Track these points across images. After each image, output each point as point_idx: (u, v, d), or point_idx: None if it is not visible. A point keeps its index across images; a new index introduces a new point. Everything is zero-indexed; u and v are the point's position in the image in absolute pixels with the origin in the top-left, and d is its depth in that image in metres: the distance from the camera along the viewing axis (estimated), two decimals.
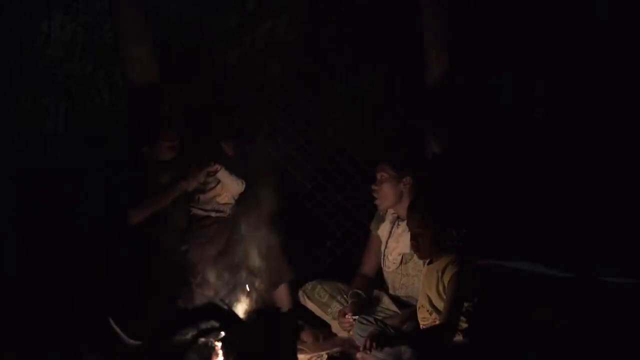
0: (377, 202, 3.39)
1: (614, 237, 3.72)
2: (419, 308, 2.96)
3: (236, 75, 4.14)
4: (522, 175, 4.09)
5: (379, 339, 2.66)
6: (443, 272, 2.85)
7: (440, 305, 2.84)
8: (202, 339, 2.71)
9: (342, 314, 3.28)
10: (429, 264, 2.95)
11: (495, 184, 4.00)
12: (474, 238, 2.93)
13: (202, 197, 3.59)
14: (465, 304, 2.80)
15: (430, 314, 2.87)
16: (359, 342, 2.89)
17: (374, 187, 3.37)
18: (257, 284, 3.36)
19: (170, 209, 3.44)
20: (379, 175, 3.35)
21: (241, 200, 3.68)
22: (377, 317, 3.20)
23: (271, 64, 4.18)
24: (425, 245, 2.90)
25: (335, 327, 3.40)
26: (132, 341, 2.82)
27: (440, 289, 2.84)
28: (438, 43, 4.08)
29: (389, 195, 3.33)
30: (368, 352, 2.64)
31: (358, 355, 2.80)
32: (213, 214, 3.59)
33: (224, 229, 3.59)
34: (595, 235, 3.75)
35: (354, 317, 3.14)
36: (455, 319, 2.77)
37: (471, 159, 4.08)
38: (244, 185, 3.63)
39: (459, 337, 2.81)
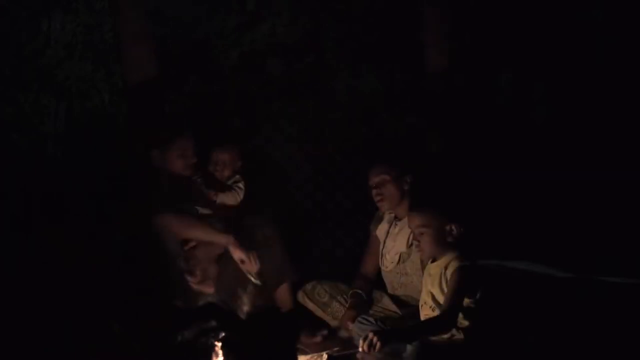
0: (380, 204, 3.40)
1: (614, 237, 3.72)
2: (422, 306, 2.97)
3: (236, 75, 4.13)
4: (522, 175, 4.10)
5: (383, 336, 2.65)
6: (446, 268, 2.87)
7: (443, 301, 2.85)
8: (202, 339, 2.71)
9: (347, 318, 3.29)
10: (432, 262, 2.96)
11: (495, 183, 4.00)
12: (474, 236, 2.94)
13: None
14: (467, 300, 2.81)
15: (434, 310, 2.88)
16: (358, 342, 2.88)
17: (376, 191, 3.37)
18: (257, 284, 3.36)
19: (173, 209, 3.43)
20: (378, 179, 3.37)
21: (244, 200, 3.68)
22: (377, 317, 3.20)
23: (271, 64, 4.18)
24: (427, 243, 2.92)
25: (335, 327, 3.40)
26: (131, 338, 2.82)
27: (444, 284, 2.85)
28: (438, 43, 4.08)
29: (394, 195, 3.35)
30: (372, 350, 2.64)
31: (358, 355, 2.80)
32: (219, 213, 3.59)
33: (229, 227, 3.59)
34: (595, 235, 3.75)
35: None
36: (455, 310, 2.78)
37: (471, 158, 4.08)
38: (242, 194, 3.62)
39: (459, 336, 2.81)
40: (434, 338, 2.81)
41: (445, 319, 2.79)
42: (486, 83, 4.33)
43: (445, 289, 2.84)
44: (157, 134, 3.45)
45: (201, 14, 4.05)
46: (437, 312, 2.87)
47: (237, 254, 3.32)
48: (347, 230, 4.19)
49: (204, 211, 3.56)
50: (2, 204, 3.60)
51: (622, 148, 4.15)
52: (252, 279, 3.37)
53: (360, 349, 2.67)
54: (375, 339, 2.62)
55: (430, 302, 2.90)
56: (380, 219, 3.54)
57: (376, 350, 2.62)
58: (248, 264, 3.33)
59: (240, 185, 3.64)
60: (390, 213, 3.47)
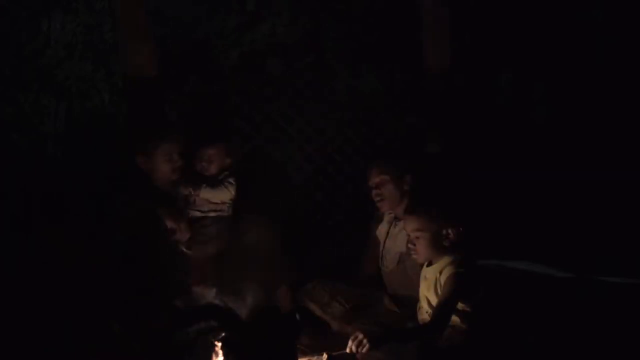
0: (380, 204, 3.40)
1: (614, 237, 3.72)
2: (419, 309, 2.96)
3: (236, 75, 4.13)
4: (522, 175, 4.10)
5: (372, 338, 2.65)
6: (441, 273, 2.84)
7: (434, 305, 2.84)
8: (202, 339, 2.72)
9: (346, 319, 3.29)
10: (428, 265, 2.95)
11: (495, 183, 4.00)
12: (473, 237, 2.92)
13: (197, 199, 3.58)
14: (463, 305, 2.80)
15: (430, 315, 2.87)
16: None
17: (376, 191, 3.37)
18: (257, 284, 3.36)
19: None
20: (378, 179, 3.36)
21: (242, 200, 3.67)
22: (377, 317, 3.20)
23: (271, 64, 4.18)
24: (422, 247, 2.89)
25: (335, 327, 3.40)
26: (131, 338, 2.82)
27: (439, 289, 2.84)
28: (438, 43, 4.08)
29: (394, 196, 3.35)
30: (360, 350, 2.63)
31: (359, 355, 2.80)
32: (212, 214, 3.58)
33: (225, 227, 3.59)
34: (595, 235, 3.75)
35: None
36: (445, 316, 2.75)
37: (471, 158, 4.09)
38: (233, 189, 3.60)
39: (459, 337, 2.80)
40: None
41: (434, 324, 2.76)
42: (486, 83, 4.34)
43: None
44: (141, 140, 3.44)
45: (201, 14, 4.05)
46: None
47: (169, 223, 3.33)
48: (347, 231, 4.19)
49: (196, 213, 3.56)
50: (2, 204, 3.60)
51: (622, 148, 4.15)
52: (183, 248, 3.41)
53: (347, 350, 2.67)
54: (364, 340, 2.62)
55: (427, 307, 2.89)
56: (380, 219, 3.54)
57: (364, 351, 2.61)
58: (179, 233, 3.35)
59: (229, 182, 3.60)
60: (390, 213, 3.47)
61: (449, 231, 2.86)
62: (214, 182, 3.58)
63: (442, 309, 2.76)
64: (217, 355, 2.73)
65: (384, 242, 3.48)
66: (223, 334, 2.71)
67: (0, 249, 3.39)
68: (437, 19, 4.08)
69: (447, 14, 4.09)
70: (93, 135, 3.85)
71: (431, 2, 4.08)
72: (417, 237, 2.90)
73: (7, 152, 3.75)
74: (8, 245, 3.43)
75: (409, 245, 2.98)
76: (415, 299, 3.06)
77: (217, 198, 3.57)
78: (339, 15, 4.22)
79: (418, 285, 3.04)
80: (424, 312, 2.91)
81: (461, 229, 2.88)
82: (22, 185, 3.66)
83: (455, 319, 2.80)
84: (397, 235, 3.39)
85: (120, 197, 3.32)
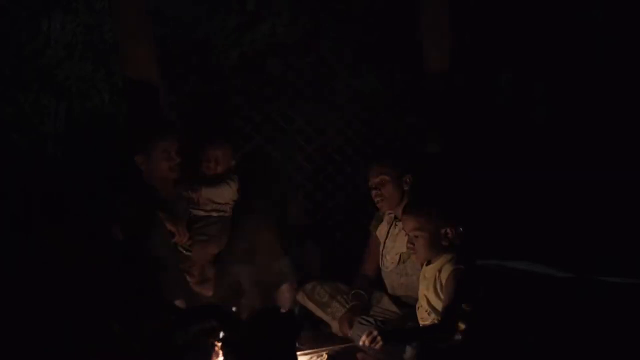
0: (380, 204, 3.39)
1: (614, 237, 3.72)
2: (418, 308, 2.97)
3: (236, 75, 4.13)
4: (522, 175, 4.10)
5: (385, 335, 2.66)
6: (440, 271, 2.85)
7: (438, 305, 2.84)
8: (202, 339, 2.71)
9: (345, 320, 3.29)
10: (427, 264, 2.95)
11: (495, 183, 4.00)
12: (472, 236, 2.93)
13: (200, 198, 3.58)
14: (463, 305, 2.80)
15: (429, 314, 2.87)
16: (359, 342, 2.89)
17: (376, 192, 3.37)
18: (257, 284, 3.36)
19: (169, 209, 3.43)
20: (378, 179, 3.36)
21: (242, 200, 3.67)
22: (377, 317, 3.20)
23: (271, 64, 4.18)
24: (421, 247, 2.90)
25: (335, 327, 3.40)
26: (131, 338, 2.82)
27: (438, 288, 2.84)
28: (438, 43, 4.08)
29: (394, 195, 3.35)
30: (373, 346, 2.64)
31: (358, 355, 2.80)
32: (214, 214, 3.58)
33: (226, 228, 3.59)
34: (595, 235, 3.75)
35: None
36: (454, 317, 2.76)
37: (471, 158, 4.09)
38: (236, 186, 3.60)
39: (457, 337, 2.80)
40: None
41: (445, 325, 2.77)
42: (486, 83, 4.34)
43: (440, 293, 2.83)
44: (140, 139, 3.44)
45: (201, 14, 4.05)
46: (432, 316, 2.86)
47: (168, 226, 3.34)
48: (347, 231, 4.19)
49: (199, 212, 3.56)
50: (2, 204, 3.60)
51: (622, 148, 4.15)
52: (183, 250, 3.44)
53: (360, 343, 2.68)
54: (378, 337, 2.63)
55: (426, 306, 2.89)
56: (380, 220, 3.54)
57: (376, 347, 2.63)
58: (177, 236, 3.36)
59: (231, 178, 3.60)
60: (390, 213, 3.47)
61: (448, 231, 2.87)
62: (215, 181, 3.58)
63: (449, 306, 2.76)
64: (217, 355, 2.73)
65: (384, 242, 3.48)
66: (223, 334, 2.71)
67: (0, 249, 3.39)
68: (437, 18, 4.08)
69: (447, 14, 4.09)
70: (93, 135, 3.85)
71: (431, 2, 4.08)
72: (416, 237, 2.90)
73: (7, 152, 3.75)
74: (8, 245, 3.43)
75: (408, 245, 2.99)
76: (415, 299, 3.06)
77: (220, 196, 3.57)
78: (339, 15, 4.22)
79: (418, 285, 3.04)
80: (424, 311, 2.91)
81: (460, 228, 2.88)
82: (22, 185, 3.66)
83: None
84: (397, 235, 3.39)
85: (120, 197, 3.32)
